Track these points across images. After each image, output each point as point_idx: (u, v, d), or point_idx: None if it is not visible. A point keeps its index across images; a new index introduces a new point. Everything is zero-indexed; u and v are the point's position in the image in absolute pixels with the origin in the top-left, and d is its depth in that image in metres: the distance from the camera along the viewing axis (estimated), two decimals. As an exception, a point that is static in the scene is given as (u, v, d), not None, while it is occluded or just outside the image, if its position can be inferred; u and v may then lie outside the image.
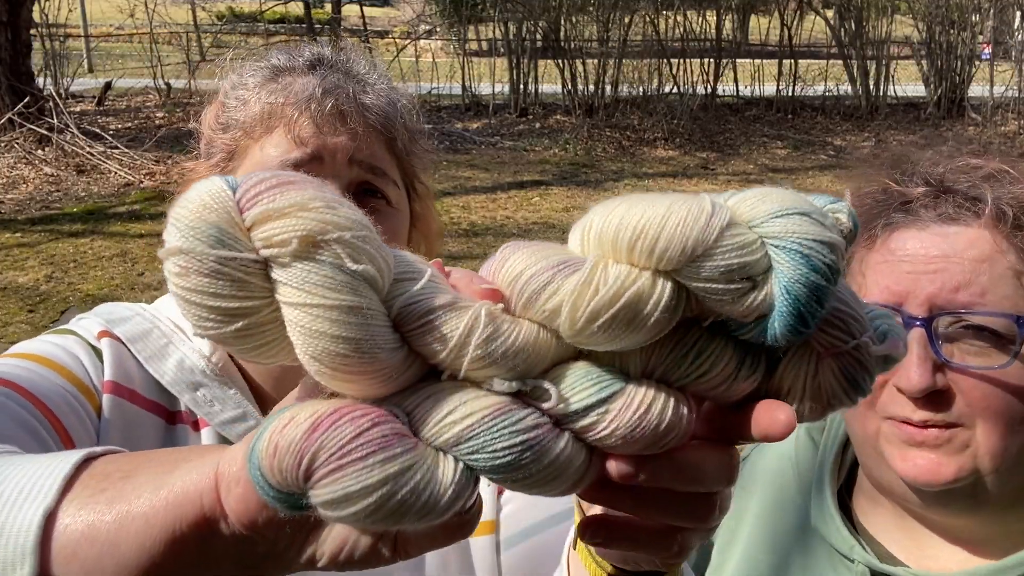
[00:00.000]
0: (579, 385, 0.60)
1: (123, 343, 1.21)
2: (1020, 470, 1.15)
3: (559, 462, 0.59)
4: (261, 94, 1.25)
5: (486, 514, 1.25)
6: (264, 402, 1.26)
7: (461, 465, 0.57)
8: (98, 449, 0.73)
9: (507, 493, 1.27)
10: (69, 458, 0.70)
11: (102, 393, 1.16)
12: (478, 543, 1.25)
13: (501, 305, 0.60)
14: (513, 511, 1.26)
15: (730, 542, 1.43)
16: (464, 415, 0.57)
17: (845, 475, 1.38)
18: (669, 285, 0.58)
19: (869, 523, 1.31)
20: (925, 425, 1.12)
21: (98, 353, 1.19)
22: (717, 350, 0.61)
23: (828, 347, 0.62)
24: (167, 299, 1.32)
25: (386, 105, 1.28)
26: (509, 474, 0.58)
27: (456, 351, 0.57)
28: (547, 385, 0.59)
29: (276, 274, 0.56)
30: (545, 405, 0.59)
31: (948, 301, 1.11)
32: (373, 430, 0.55)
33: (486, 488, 1.24)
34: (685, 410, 0.61)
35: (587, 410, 0.59)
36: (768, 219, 0.59)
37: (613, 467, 0.61)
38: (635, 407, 0.59)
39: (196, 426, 1.22)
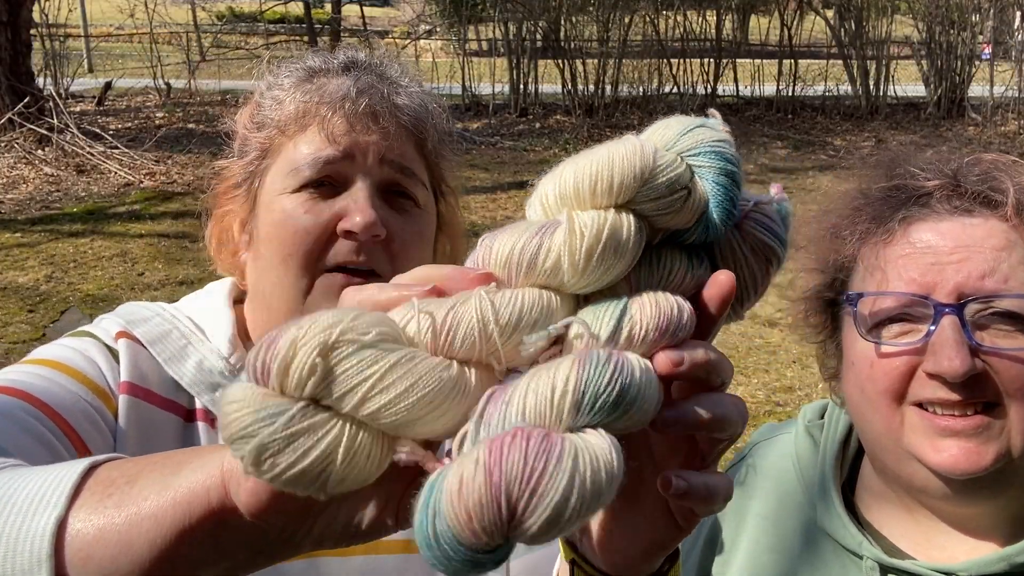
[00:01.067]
0: (595, 319, 0.68)
1: (142, 344, 1.23)
2: None
3: (645, 377, 0.64)
4: (296, 94, 1.27)
5: None
6: None
7: (609, 435, 0.60)
8: (101, 457, 0.76)
9: None
10: (75, 467, 0.74)
11: (118, 395, 1.17)
12: None
13: (494, 284, 0.65)
14: None
15: (733, 543, 1.43)
16: (562, 384, 0.60)
17: (847, 472, 1.38)
18: (631, 214, 0.70)
19: (874, 518, 1.32)
20: (963, 411, 1.14)
21: (115, 354, 1.20)
22: (671, 256, 0.74)
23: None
24: (189, 298, 1.33)
25: (418, 107, 1.30)
26: (627, 402, 0.62)
27: (486, 337, 0.63)
28: (568, 319, 0.66)
29: (328, 402, 0.59)
30: (586, 336, 0.65)
31: (975, 288, 1.15)
32: (529, 443, 0.56)
33: None
34: (679, 297, 0.71)
35: (618, 328, 0.67)
36: (678, 139, 0.74)
37: (662, 357, 0.68)
38: (648, 306, 0.69)
39: (214, 423, 1.22)
